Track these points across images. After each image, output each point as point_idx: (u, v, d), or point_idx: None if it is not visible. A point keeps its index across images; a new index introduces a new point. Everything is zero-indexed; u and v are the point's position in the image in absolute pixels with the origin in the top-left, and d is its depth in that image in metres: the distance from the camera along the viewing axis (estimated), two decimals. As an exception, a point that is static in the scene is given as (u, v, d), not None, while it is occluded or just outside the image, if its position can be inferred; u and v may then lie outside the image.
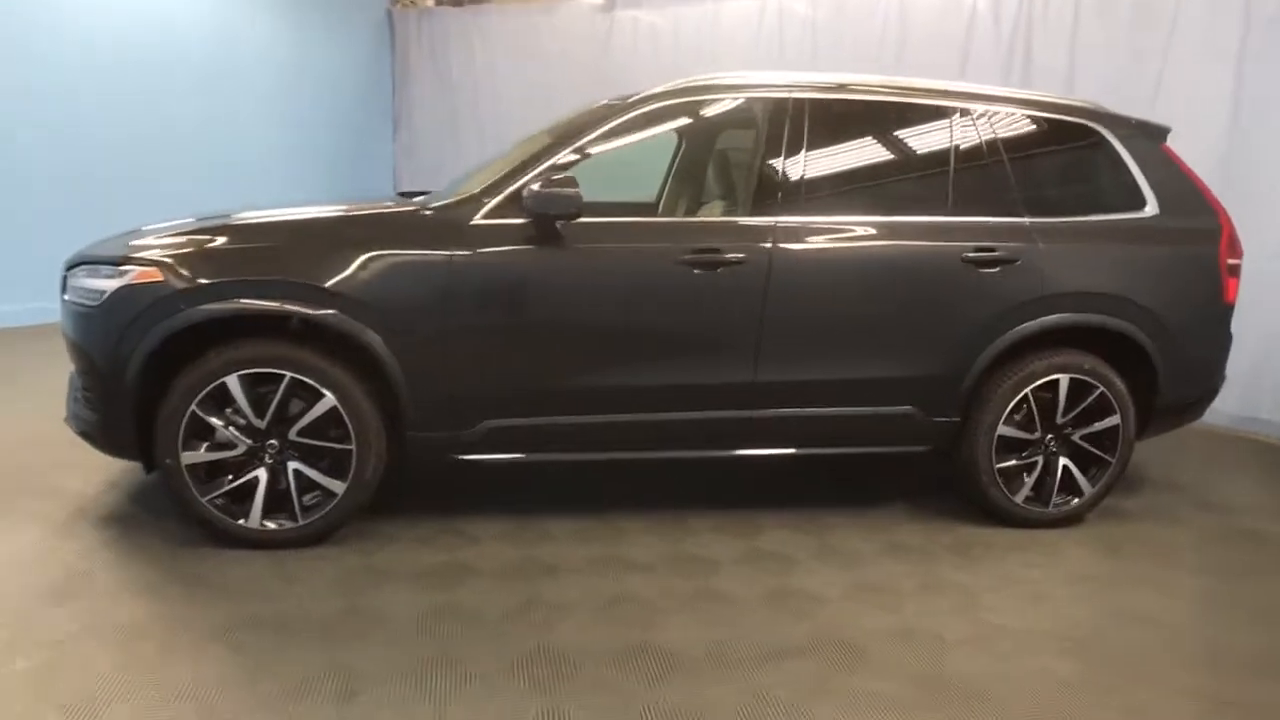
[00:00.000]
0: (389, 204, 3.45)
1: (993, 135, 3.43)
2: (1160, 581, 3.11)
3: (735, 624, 2.67)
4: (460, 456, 3.09)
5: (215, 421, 2.84)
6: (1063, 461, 3.48)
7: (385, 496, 3.17)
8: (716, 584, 2.91)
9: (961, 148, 3.39)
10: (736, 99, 3.39)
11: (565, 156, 3.09)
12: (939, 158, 3.41)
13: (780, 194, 3.23)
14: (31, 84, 6.11)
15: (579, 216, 2.96)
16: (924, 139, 3.43)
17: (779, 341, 3.19)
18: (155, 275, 2.79)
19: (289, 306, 2.83)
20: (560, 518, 3.37)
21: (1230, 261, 3.57)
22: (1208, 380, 3.70)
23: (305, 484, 2.95)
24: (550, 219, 2.94)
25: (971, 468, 3.42)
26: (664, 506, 3.53)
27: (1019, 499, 3.46)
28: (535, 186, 2.91)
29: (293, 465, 2.92)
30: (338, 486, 2.95)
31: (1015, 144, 3.48)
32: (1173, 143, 3.66)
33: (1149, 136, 3.62)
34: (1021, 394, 3.36)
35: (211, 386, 2.81)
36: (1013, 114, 3.52)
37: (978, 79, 5.24)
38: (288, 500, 2.93)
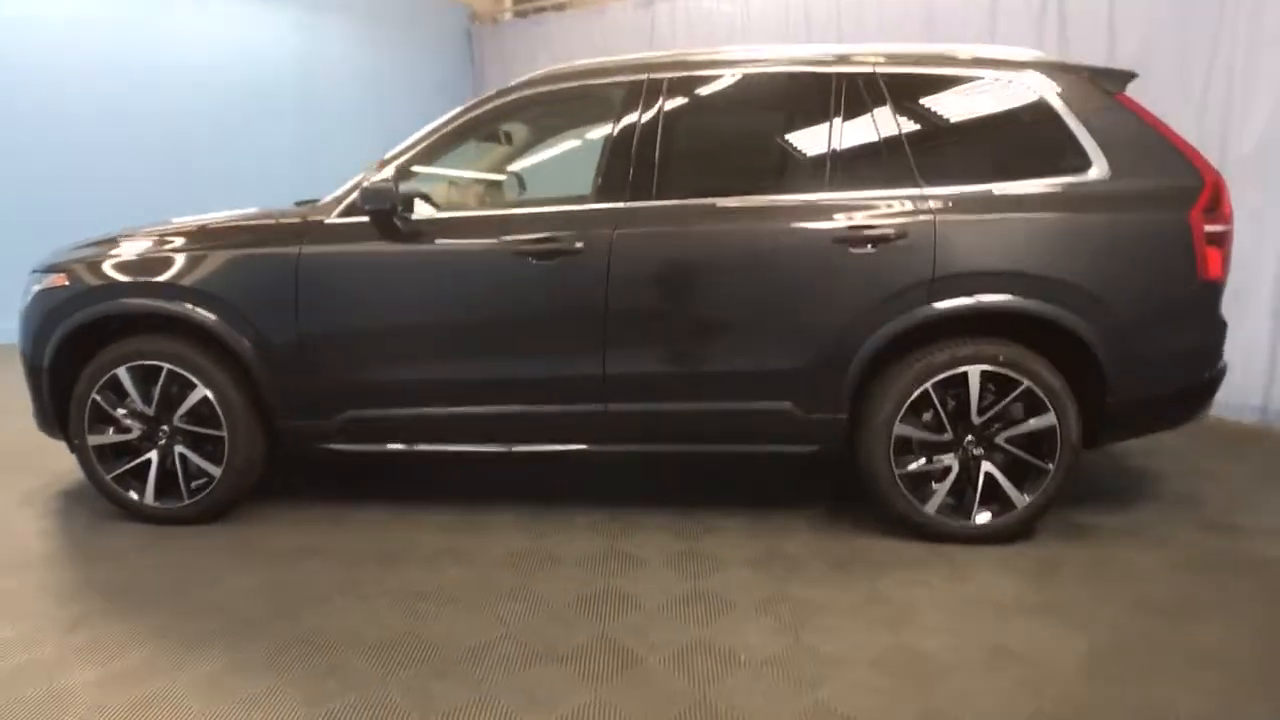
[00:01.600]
0: (272, 209, 3.48)
1: (886, 100, 3.03)
2: (1077, 616, 2.58)
3: (516, 624, 2.58)
4: (325, 446, 3.25)
5: (110, 408, 3.21)
6: (985, 467, 3.00)
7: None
8: (535, 583, 2.82)
9: (845, 117, 3.03)
10: (596, 85, 3.23)
11: (409, 153, 3.15)
12: (817, 130, 3.07)
13: (630, 179, 3.06)
14: (135, 109, 7.03)
15: (406, 211, 3.01)
16: (800, 110, 3.11)
17: (626, 333, 3.02)
18: (63, 280, 3.21)
19: (151, 303, 3.13)
20: (426, 508, 3.42)
21: (1209, 229, 2.90)
22: (1186, 373, 3.02)
23: (193, 467, 3.25)
24: (384, 214, 3.02)
25: (868, 471, 3.05)
26: (548, 497, 3.48)
27: (930, 509, 3.03)
28: (367, 183, 3.00)
29: (178, 449, 3.23)
30: (215, 470, 3.21)
31: (916, 108, 3.06)
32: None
33: (1099, 86, 3.03)
34: (921, 389, 2.95)
35: (106, 377, 3.18)
36: (913, 74, 3.08)
37: (1010, 37, 4.65)
38: (177, 481, 3.24)
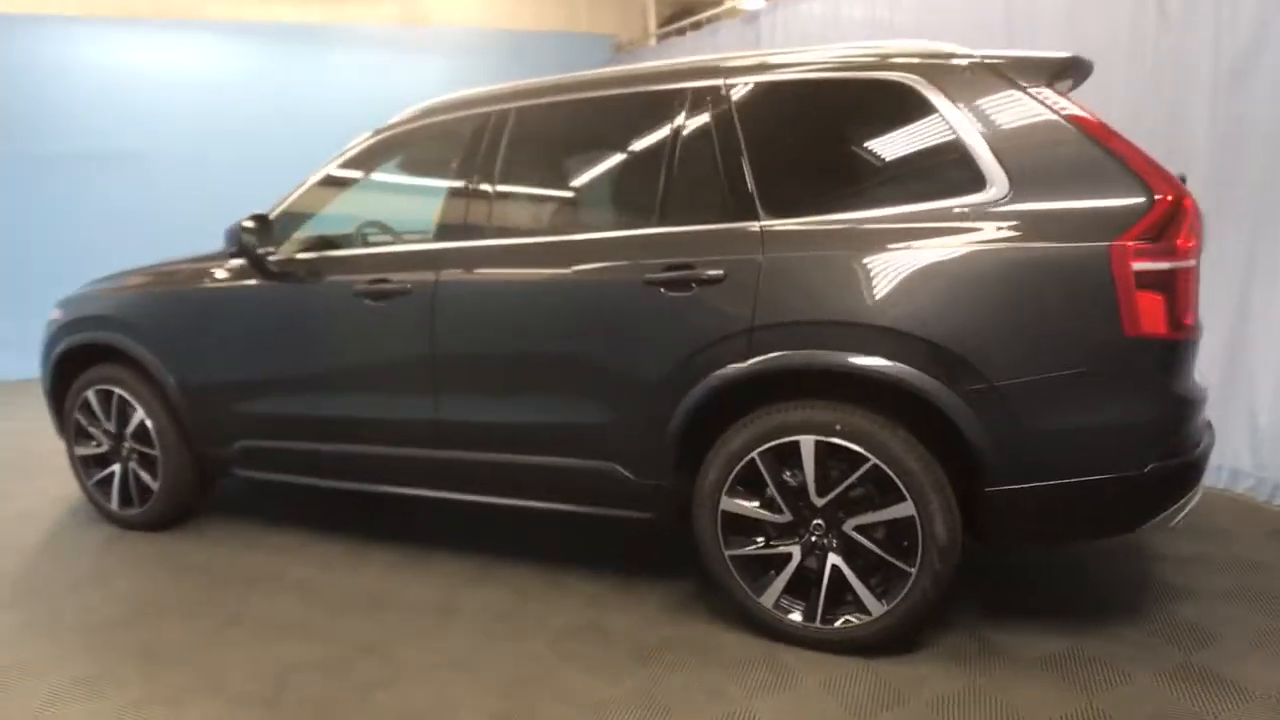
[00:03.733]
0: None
1: (732, 118, 2.58)
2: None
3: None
4: (233, 472, 3.47)
5: (88, 425, 3.69)
6: (831, 561, 2.44)
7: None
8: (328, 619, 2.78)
9: (682, 142, 2.62)
10: (453, 120, 3.06)
11: (294, 194, 3.26)
12: (651, 157, 2.69)
13: (464, 219, 2.91)
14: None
15: (248, 254, 3.12)
16: (640, 135, 2.74)
17: (453, 378, 2.88)
18: (59, 315, 3.76)
19: (99, 336, 3.54)
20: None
21: (1143, 266, 2.11)
22: (1115, 462, 2.21)
23: (144, 480, 3.63)
24: (255, 256, 3.15)
25: (700, 550, 2.61)
26: (408, 538, 3.40)
27: (767, 602, 2.52)
28: (229, 225, 3.15)
29: (131, 465, 3.63)
30: (154, 485, 3.57)
31: (764, 126, 2.57)
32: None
33: (1009, 81, 2.33)
34: (747, 458, 2.47)
35: (80, 399, 3.67)
36: (763, 84, 2.59)
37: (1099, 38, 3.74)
38: (136, 492, 3.64)
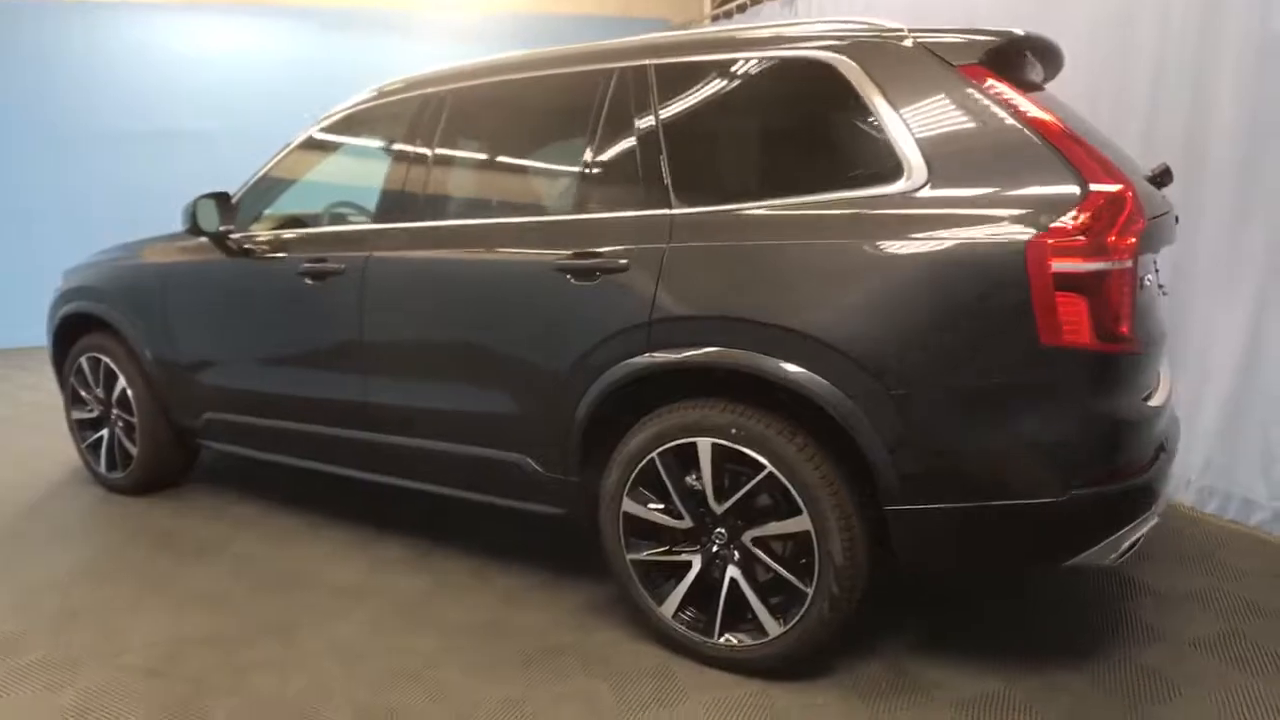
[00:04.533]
0: None
1: (652, 99, 2.41)
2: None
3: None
4: (202, 443, 3.54)
5: (82, 391, 3.85)
6: (730, 573, 2.26)
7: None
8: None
9: (608, 122, 2.47)
10: (398, 100, 2.98)
11: (259, 173, 3.28)
12: (577, 141, 2.54)
13: (399, 200, 2.84)
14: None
15: (198, 232, 3.16)
16: (569, 118, 2.58)
17: (380, 360, 2.82)
18: (61, 284, 3.92)
19: (84, 305, 3.67)
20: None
21: (1065, 266, 1.84)
22: (1027, 488, 1.94)
23: (124, 448, 3.74)
24: (210, 234, 3.18)
25: (605, 553, 2.47)
26: (369, 517, 3.36)
27: (666, 612, 2.36)
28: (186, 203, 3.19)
29: (117, 431, 3.75)
30: (134, 451, 3.68)
31: (683, 108, 2.38)
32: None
33: (938, 60, 2.08)
34: (646, 459, 2.31)
35: (74, 365, 3.82)
36: (685, 64, 2.41)
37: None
38: (120, 457, 3.76)
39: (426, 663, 2.41)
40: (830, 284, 2.04)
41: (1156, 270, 2.42)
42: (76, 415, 3.90)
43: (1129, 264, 1.87)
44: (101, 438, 3.80)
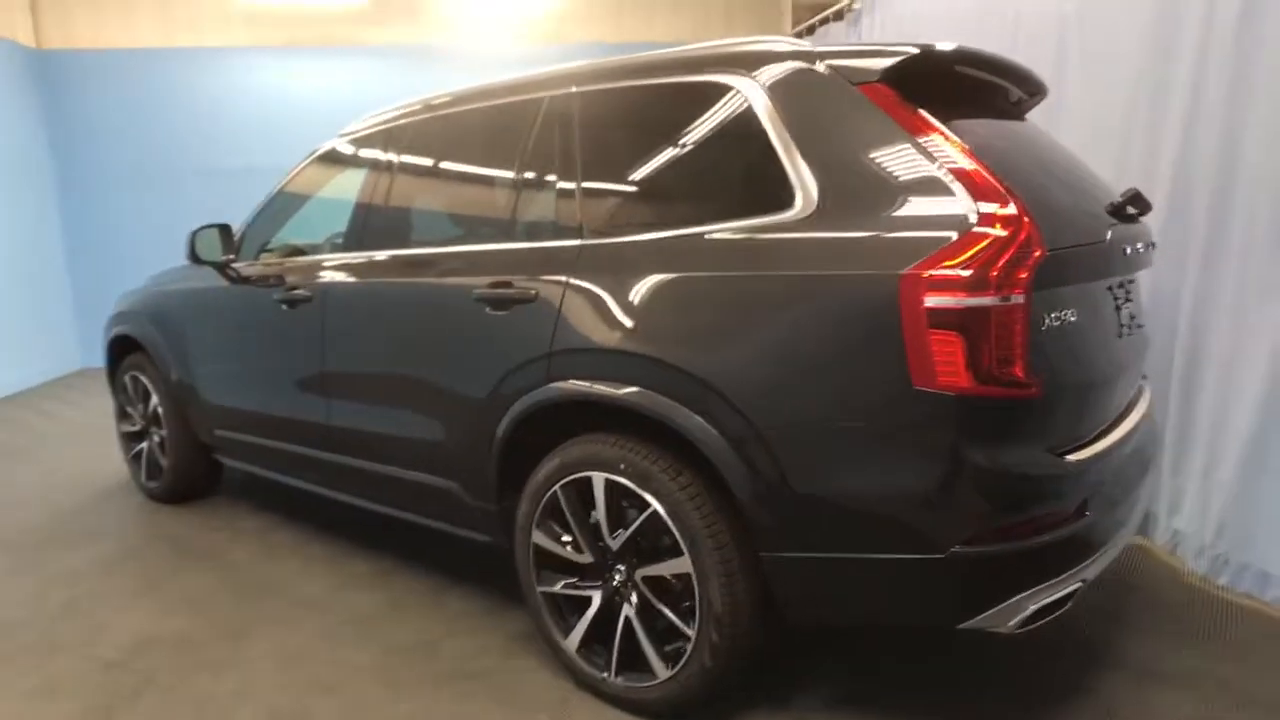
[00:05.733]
0: None
1: (574, 128, 2.43)
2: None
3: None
4: (218, 458, 3.79)
5: (127, 406, 4.20)
6: (625, 612, 2.22)
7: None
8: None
9: (534, 151, 2.51)
10: (373, 133, 3.14)
11: (258, 208, 3.50)
12: (508, 169, 2.62)
13: (360, 230, 3.00)
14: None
15: (199, 261, 3.43)
16: (504, 147, 2.63)
17: (338, 384, 2.97)
18: (114, 308, 4.30)
19: (125, 328, 4.04)
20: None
21: (939, 302, 1.72)
22: (900, 542, 1.84)
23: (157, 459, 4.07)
24: (213, 263, 3.44)
25: (521, 583, 2.48)
26: (358, 534, 3.48)
27: (570, 647, 2.35)
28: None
29: (153, 443, 4.07)
30: (164, 463, 3.98)
31: (599, 136, 2.41)
32: None
33: (842, 80, 1.99)
34: (549, 492, 2.31)
35: (120, 382, 4.19)
36: (604, 91, 2.43)
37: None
38: (155, 468, 4.09)
39: (353, 676, 2.53)
40: (704, 316, 2.01)
41: (1121, 304, 2.22)
42: (123, 428, 4.27)
43: (1019, 299, 1.72)
44: (142, 450, 4.14)
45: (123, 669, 2.58)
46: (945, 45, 2.05)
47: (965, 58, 2.12)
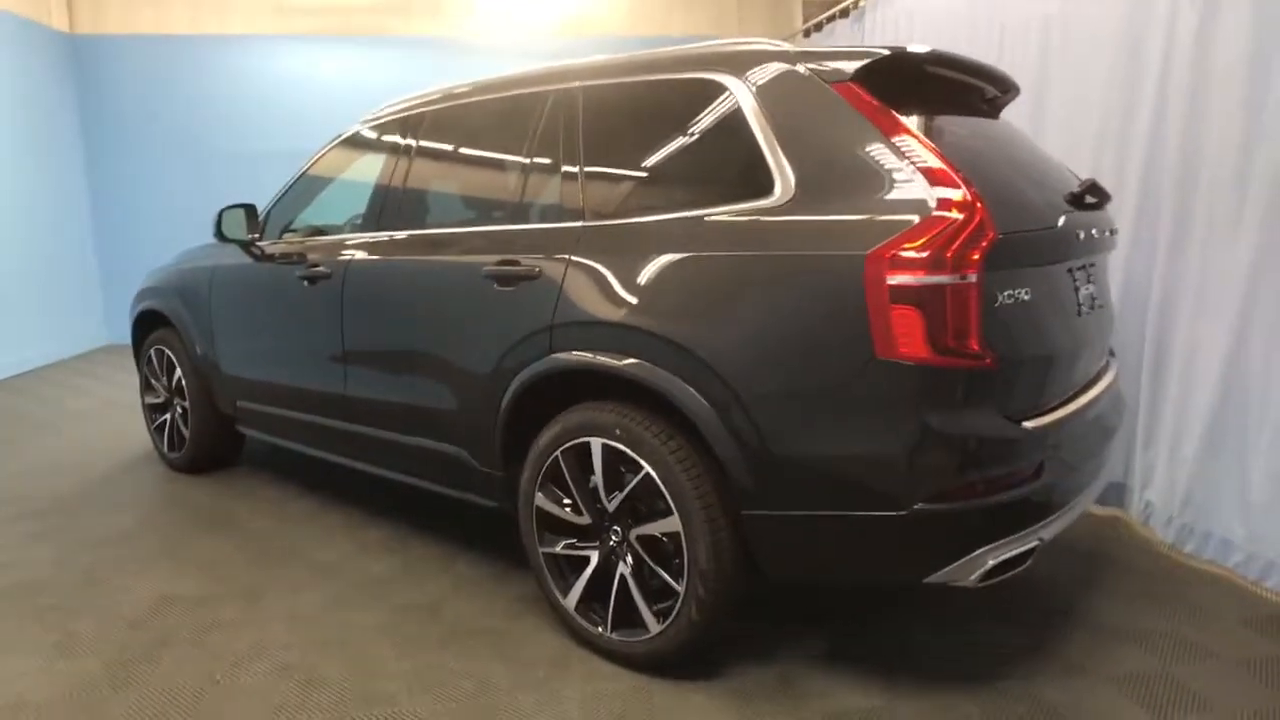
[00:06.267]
0: None
1: (578, 120, 2.57)
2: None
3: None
4: (239, 429, 3.96)
5: (152, 379, 4.38)
6: (620, 570, 2.36)
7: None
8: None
9: (542, 141, 2.65)
10: (390, 120, 3.26)
11: (283, 189, 3.66)
12: (518, 156, 2.74)
13: (378, 211, 3.13)
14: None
15: (225, 240, 3.59)
16: (515, 137, 2.76)
17: (354, 357, 3.11)
18: (141, 285, 4.48)
19: (152, 303, 4.21)
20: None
21: (900, 279, 1.85)
22: (860, 499, 1.95)
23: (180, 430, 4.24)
24: (240, 241, 3.60)
25: (525, 546, 2.63)
26: (374, 501, 3.61)
27: (570, 604, 2.49)
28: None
29: (175, 415, 4.25)
30: (187, 434, 4.15)
31: (601, 127, 2.54)
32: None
33: (817, 77, 2.12)
34: (551, 457, 2.45)
35: (146, 355, 4.36)
36: (605, 86, 2.57)
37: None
38: (177, 439, 4.26)
39: (361, 635, 2.64)
40: (692, 292, 2.14)
41: (1081, 285, 2.35)
42: (148, 400, 4.45)
43: (971, 278, 1.85)
44: (165, 421, 4.32)
45: (141, 628, 2.70)
46: (917, 47, 2.20)
47: (937, 59, 2.26)
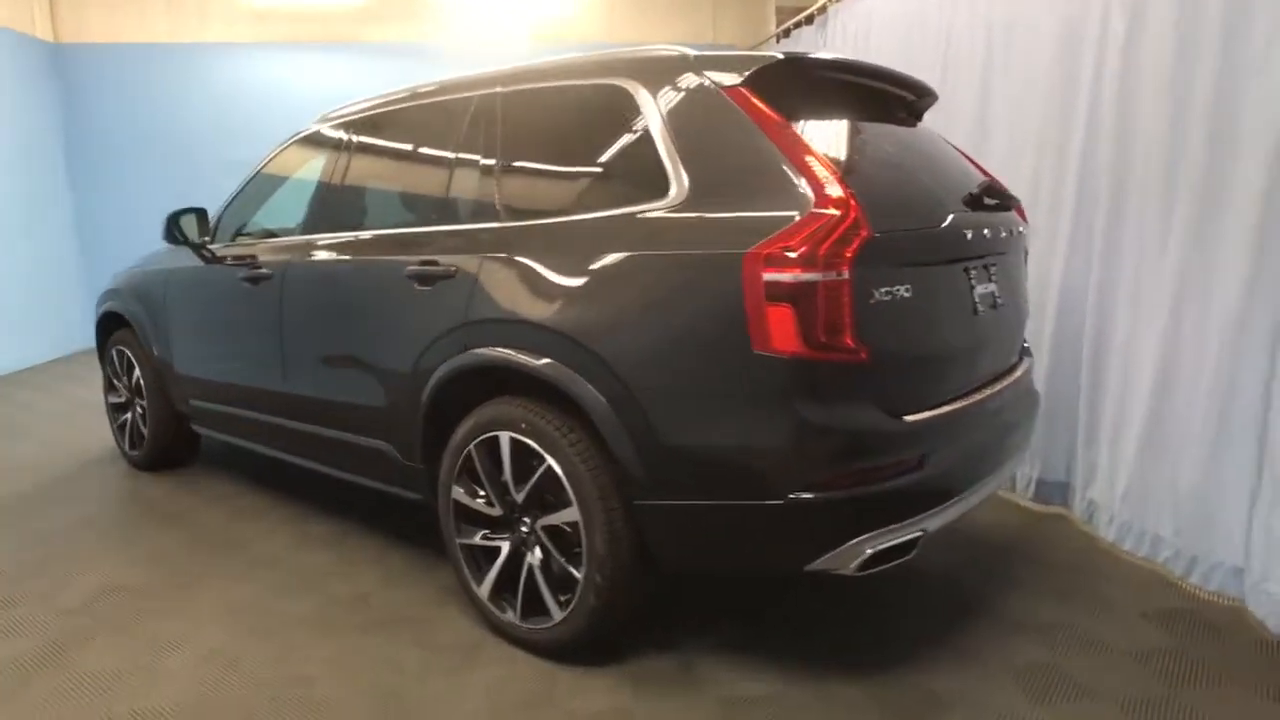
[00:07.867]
0: None
1: (497, 124, 2.67)
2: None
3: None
4: (194, 428, 4.06)
5: (114, 379, 4.48)
6: (529, 559, 2.45)
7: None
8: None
9: (466, 145, 2.75)
10: (333, 126, 3.38)
11: (234, 192, 3.77)
12: (443, 160, 2.83)
13: (315, 214, 3.24)
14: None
15: (177, 243, 3.70)
16: (439, 141, 2.86)
17: (292, 356, 3.20)
18: (106, 287, 4.59)
19: (111, 305, 4.30)
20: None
21: (775, 276, 1.94)
22: (736, 489, 2.04)
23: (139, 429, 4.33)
24: (189, 244, 3.70)
25: (444, 537, 2.71)
26: (324, 496, 3.70)
27: (484, 594, 2.58)
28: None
29: (135, 414, 4.34)
30: (145, 432, 4.25)
31: (516, 131, 2.64)
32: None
33: (710, 82, 2.22)
34: (465, 450, 2.54)
35: (108, 355, 4.46)
36: (522, 91, 2.67)
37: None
38: (137, 437, 4.36)
39: (289, 623, 2.73)
40: (593, 291, 2.23)
41: (978, 284, 2.42)
42: (110, 400, 4.55)
43: (844, 275, 1.93)
44: (126, 420, 4.41)
45: (81, 614, 2.80)
46: (819, 54, 2.32)
47: (836, 65, 2.35)
